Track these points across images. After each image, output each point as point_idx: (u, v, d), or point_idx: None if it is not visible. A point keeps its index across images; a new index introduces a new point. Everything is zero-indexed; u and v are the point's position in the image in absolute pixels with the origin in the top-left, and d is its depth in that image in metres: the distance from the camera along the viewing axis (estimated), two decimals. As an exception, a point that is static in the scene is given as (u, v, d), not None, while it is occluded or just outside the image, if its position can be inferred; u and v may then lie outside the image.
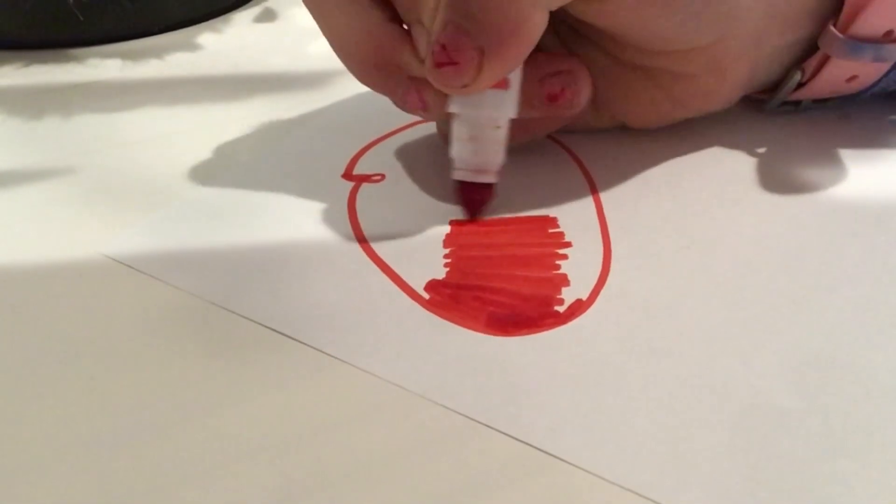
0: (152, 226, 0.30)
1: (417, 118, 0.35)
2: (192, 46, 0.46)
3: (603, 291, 0.26)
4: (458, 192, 0.30)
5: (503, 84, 0.27)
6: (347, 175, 0.32)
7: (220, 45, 0.46)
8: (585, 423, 0.22)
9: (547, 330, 0.25)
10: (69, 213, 0.31)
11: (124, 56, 0.45)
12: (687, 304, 0.26)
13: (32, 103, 0.39)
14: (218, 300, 0.26)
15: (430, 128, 0.35)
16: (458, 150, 0.28)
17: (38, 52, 0.45)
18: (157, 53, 0.45)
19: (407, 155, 0.34)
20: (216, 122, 0.37)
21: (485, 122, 0.28)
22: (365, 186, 0.32)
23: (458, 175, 0.29)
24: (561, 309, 0.26)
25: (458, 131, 0.28)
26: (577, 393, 0.23)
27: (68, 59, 0.44)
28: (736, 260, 0.27)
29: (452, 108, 0.27)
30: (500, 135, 0.28)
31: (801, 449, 0.21)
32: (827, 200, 0.30)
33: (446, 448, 0.21)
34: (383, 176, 0.32)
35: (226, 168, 0.33)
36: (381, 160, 0.33)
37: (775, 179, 0.31)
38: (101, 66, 0.43)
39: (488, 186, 0.29)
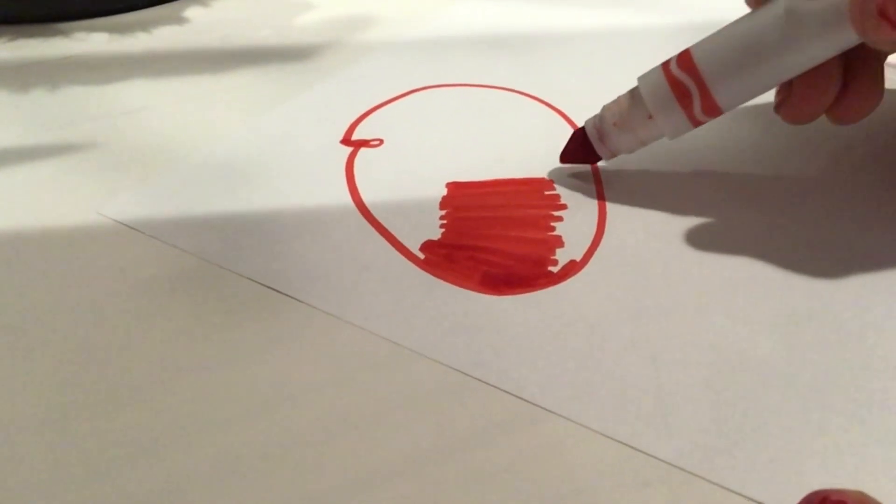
0: (151, 188, 0.30)
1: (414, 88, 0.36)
2: (180, 20, 0.45)
3: (597, 253, 0.26)
4: (574, 138, 0.29)
5: (714, 109, 0.26)
6: (346, 140, 0.32)
7: (207, 18, 0.45)
8: (575, 377, 0.22)
9: (540, 289, 0.25)
10: (62, 179, 0.30)
11: (111, 30, 0.44)
12: (678, 265, 0.26)
13: (18, 77, 0.39)
14: (216, 260, 0.26)
15: (429, 96, 0.35)
16: (610, 115, 0.28)
17: (24, 27, 0.44)
18: (144, 27, 0.44)
19: (406, 121, 0.34)
20: (206, 94, 0.37)
21: (659, 133, 0.27)
22: (363, 151, 0.32)
23: (588, 124, 0.29)
24: (555, 269, 0.26)
25: (629, 112, 0.27)
26: (568, 349, 0.23)
27: (54, 34, 0.44)
28: (726, 223, 0.28)
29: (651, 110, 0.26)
30: (644, 139, 0.28)
31: (787, 403, 0.21)
32: (820, 165, 0.31)
33: (440, 402, 0.22)
34: (382, 141, 0.32)
35: (221, 135, 0.33)
36: (381, 126, 0.33)
37: (767, 151, 0.32)
38: (88, 40, 0.43)
39: (594, 156, 0.29)
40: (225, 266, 0.26)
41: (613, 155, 0.29)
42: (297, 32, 0.43)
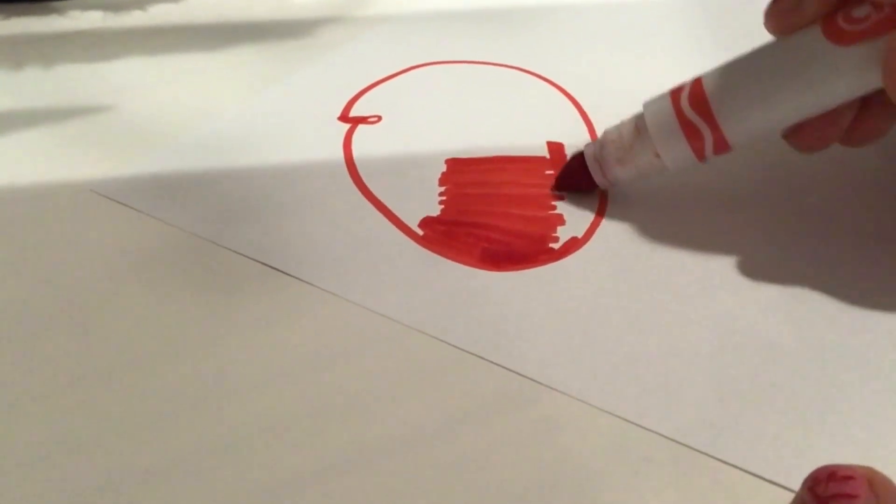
0: (146, 165, 0.29)
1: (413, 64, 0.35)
2: (176, -2, 0.45)
3: (598, 230, 0.26)
4: (571, 161, 0.27)
5: (725, 148, 0.24)
6: (344, 117, 0.32)
7: (204, -4, 0.45)
8: (577, 353, 0.22)
9: (541, 265, 0.25)
10: (56, 156, 0.30)
11: (106, 8, 0.43)
12: (681, 242, 0.25)
13: (13, 54, 0.38)
14: (213, 237, 0.26)
15: (428, 73, 0.35)
16: (612, 147, 0.26)
17: (18, 5, 0.44)
18: (140, 5, 0.44)
19: (404, 97, 0.33)
20: (203, 70, 0.36)
21: (663, 167, 0.25)
22: (361, 128, 0.31)
23: (588, 151, 0.27)
24: (556, 246, 0.25)
25: (633, 147, 0.25)
26: (569, 325, 0.23)
27: (49, 12, 0.43)
28: (730, 198, 0.27)
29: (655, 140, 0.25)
30: (646, 173, 0.26)
31: (793, 378, 0.21)
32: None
33: (440, 379, 0.21)
34: (380, 117, 0.32)
35: (217, 113, 0.33)
36: (379, 103, 0.33)
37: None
38: (83, 18, 0.42)
39: (590, 182, 0.27)
40: (221, 243, 0.26)
41: (612, 185, 0.27)
42: (294, 9, 0.43)
